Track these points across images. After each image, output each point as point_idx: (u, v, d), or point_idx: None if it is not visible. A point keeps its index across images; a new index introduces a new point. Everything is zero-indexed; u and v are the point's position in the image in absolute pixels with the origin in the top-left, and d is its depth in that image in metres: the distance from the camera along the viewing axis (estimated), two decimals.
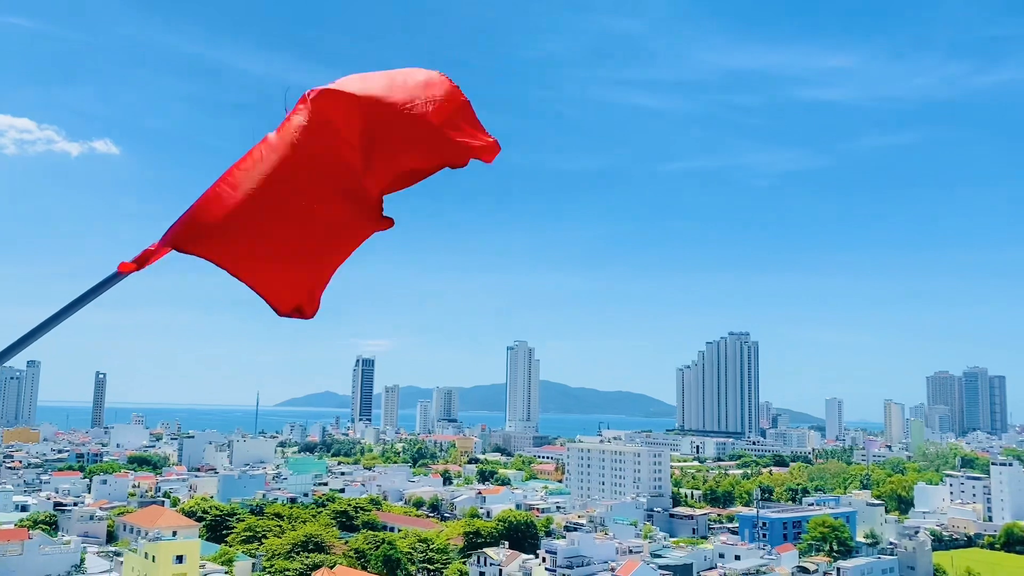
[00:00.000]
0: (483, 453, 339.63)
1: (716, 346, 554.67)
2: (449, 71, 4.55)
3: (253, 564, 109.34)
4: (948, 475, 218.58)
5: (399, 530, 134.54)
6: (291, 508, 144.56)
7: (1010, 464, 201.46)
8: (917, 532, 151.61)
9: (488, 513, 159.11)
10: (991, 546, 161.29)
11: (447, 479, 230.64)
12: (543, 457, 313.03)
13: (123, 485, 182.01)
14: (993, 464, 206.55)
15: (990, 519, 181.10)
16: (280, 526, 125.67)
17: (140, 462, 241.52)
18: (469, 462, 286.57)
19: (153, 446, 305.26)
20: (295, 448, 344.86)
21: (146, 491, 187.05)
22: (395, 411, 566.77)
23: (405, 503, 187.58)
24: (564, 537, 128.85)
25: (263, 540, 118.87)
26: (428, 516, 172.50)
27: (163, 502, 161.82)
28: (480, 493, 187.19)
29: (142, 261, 3.90)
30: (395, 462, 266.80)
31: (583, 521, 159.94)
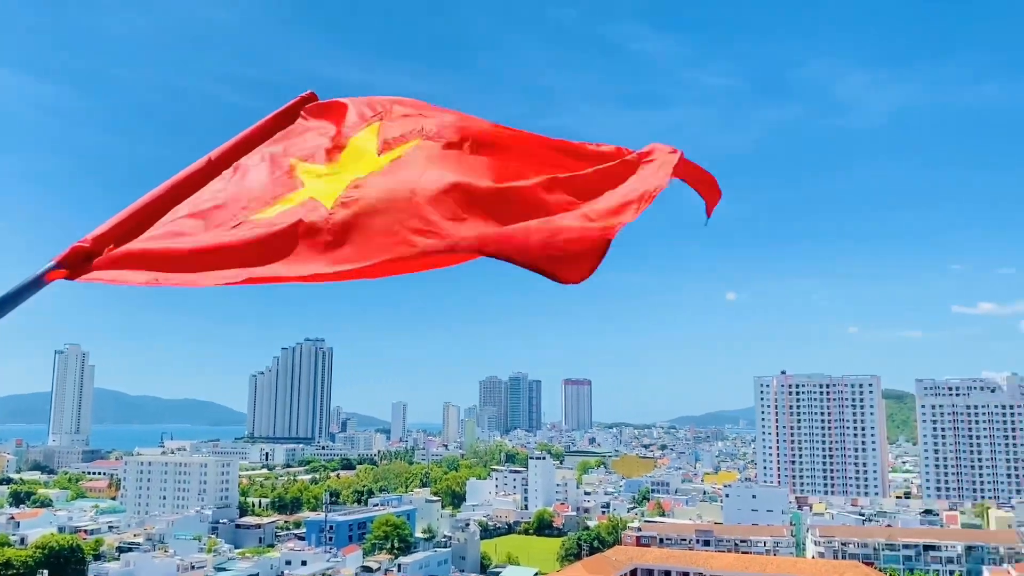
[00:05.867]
0: (18, 472, 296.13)
1: (291, 352, 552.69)
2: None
3: None
4: (494, 470, 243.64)
5: None
6: None
7: (543, 457, 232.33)
8: (468, 524, 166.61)
9: (23, 540, 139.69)
10: (526, 531, 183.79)
11: None
12: (95, 473, 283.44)
13: None
14: (530, 458, 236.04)
15: (526, 507, 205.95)
16: None
17: None
18: (0, 483, 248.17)
19: None
20: None
21: None
22: None
23: None
24: (117, 559, 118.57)
25: None
26: None
27: None
28: (13, 518, 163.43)
29: (74, 268, 3.35)
30: None
31: (140, 540, 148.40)
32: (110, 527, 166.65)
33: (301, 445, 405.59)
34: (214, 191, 3.85)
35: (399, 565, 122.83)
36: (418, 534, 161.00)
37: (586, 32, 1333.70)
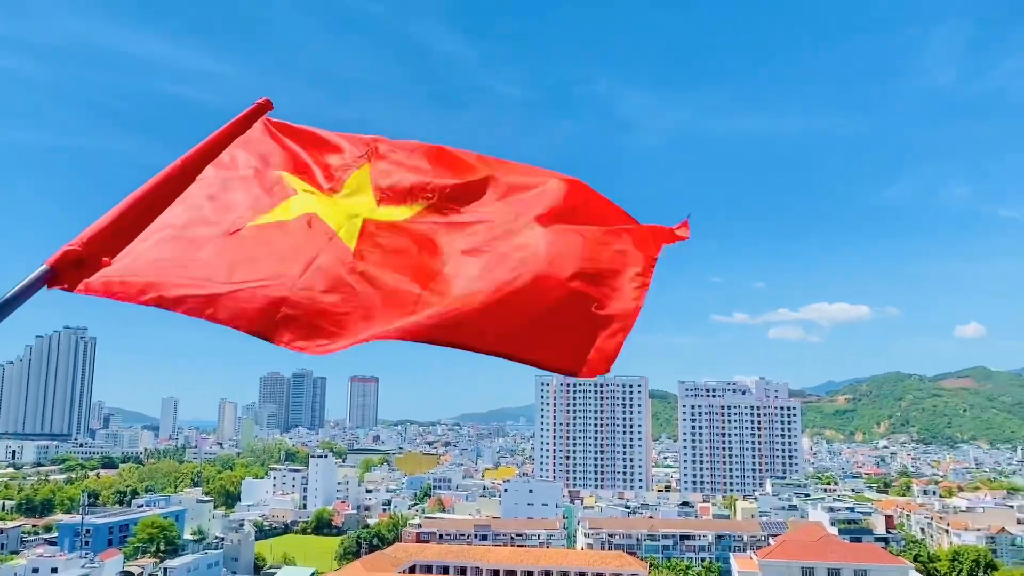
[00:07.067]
0: None
1: (47, 340, 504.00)
2: None
3: None
4: (272, 469, 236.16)
5: None
6: None
7: (325, 456, 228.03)
8: (242, 524, 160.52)
9: None
10: (304, 531, 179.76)
11: None
12: None
13: None
14: (312, 457, 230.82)
15: (305, 506, 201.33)
16: None
17: None
18: None
19: None
20: None
21: None
22: None
23: None
24: None
25: None
26: None
27: None
28: None
29: (66, 273, 3.30)
30: None
31: None
32: None
33: (55, 442, 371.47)
34: (199, 199, 3.95)
35: (165, 569, 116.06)
36: (187, 536, 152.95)
37: (391, 28, 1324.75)
